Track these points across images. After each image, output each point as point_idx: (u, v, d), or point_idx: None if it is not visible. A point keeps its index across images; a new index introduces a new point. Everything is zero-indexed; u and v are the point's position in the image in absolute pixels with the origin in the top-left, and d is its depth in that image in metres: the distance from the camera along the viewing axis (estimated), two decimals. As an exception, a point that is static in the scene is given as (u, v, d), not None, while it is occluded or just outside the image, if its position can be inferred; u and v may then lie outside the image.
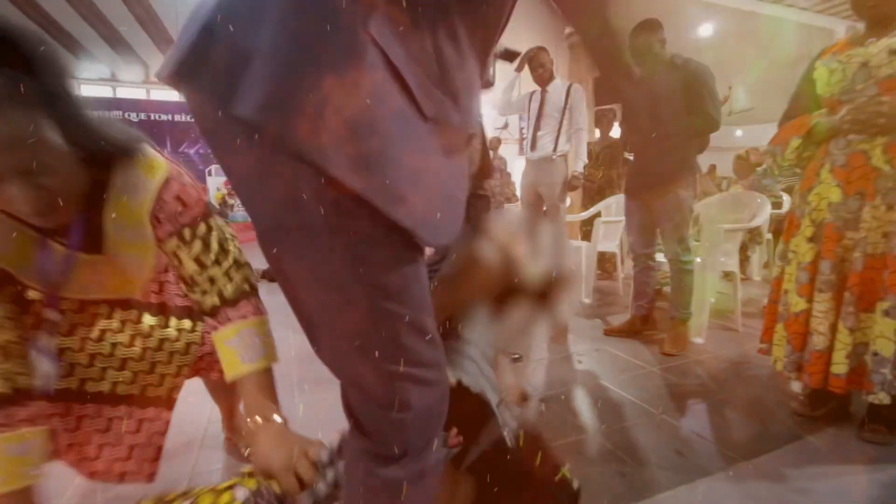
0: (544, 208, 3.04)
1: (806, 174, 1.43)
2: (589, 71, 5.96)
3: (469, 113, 0.50)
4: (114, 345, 0.87)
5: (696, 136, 1.99)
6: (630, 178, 2.24)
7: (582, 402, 1.58)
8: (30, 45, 0.62)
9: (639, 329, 2.26)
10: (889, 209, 1.22)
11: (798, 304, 1.37)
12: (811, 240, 1.36)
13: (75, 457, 0.89)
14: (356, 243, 0.45)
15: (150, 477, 0.94)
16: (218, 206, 8.36)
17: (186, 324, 0.96)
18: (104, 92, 8.21)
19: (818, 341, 1.30)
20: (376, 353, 0.48)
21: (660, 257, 2.23)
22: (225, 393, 1.20)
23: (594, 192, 3.67)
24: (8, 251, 0.73)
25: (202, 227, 0.81)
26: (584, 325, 2.44)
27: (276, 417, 0.73)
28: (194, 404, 1.29)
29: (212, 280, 0.81)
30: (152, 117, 8.38)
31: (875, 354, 1.21)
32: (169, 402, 0.97)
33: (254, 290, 0.85)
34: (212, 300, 0.81)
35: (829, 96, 1.35)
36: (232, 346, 0.78)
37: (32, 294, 0.81)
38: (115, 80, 8.23)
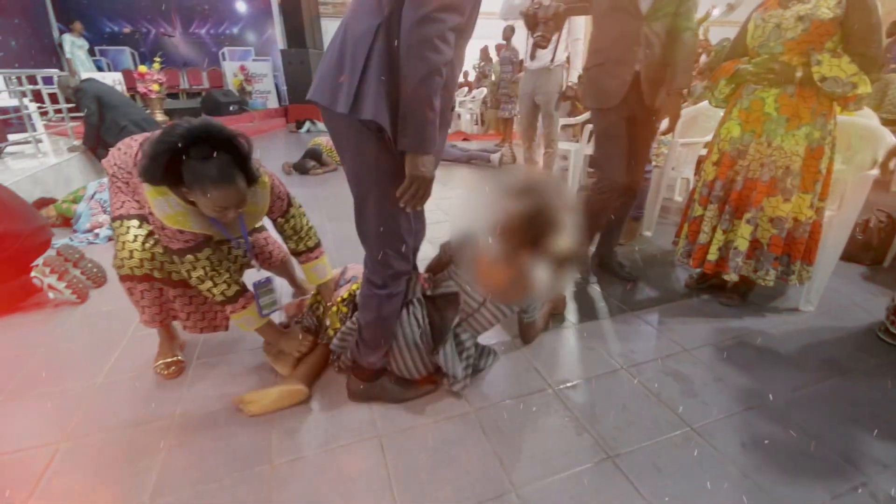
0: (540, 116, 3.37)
1: (725, 111, 1.83)
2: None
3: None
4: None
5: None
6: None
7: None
8: (226, 135, 1.09)
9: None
10: (768, 146, 1.66)
11: (697, 210, 1.89)
12: (715, 164, 1.83)
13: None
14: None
15: (226, 328, 1.56)
16: (237, 94, 8.45)
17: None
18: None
19: (702, 238, 1.85)
20: (385, 237, 1.06)
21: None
22: (284, 272, 1.91)
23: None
24: (209, 229, 1.27)
25: (291, 212, 1.45)
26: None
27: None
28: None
29: (298, 239, 1.49)
30: (158, -5, 8.03)
31: (735, 248, 1.77)
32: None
33: (318, 243, 1.53)
34: (298, 248, 1.50)
35: (752, 47, 1.69)
36: (312, 270, 1.53)
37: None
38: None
